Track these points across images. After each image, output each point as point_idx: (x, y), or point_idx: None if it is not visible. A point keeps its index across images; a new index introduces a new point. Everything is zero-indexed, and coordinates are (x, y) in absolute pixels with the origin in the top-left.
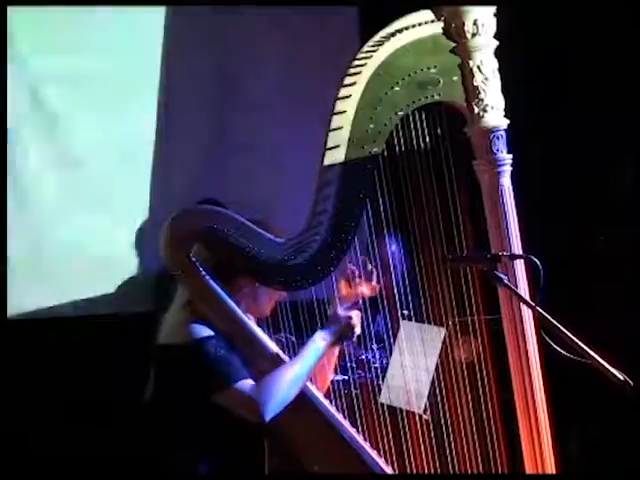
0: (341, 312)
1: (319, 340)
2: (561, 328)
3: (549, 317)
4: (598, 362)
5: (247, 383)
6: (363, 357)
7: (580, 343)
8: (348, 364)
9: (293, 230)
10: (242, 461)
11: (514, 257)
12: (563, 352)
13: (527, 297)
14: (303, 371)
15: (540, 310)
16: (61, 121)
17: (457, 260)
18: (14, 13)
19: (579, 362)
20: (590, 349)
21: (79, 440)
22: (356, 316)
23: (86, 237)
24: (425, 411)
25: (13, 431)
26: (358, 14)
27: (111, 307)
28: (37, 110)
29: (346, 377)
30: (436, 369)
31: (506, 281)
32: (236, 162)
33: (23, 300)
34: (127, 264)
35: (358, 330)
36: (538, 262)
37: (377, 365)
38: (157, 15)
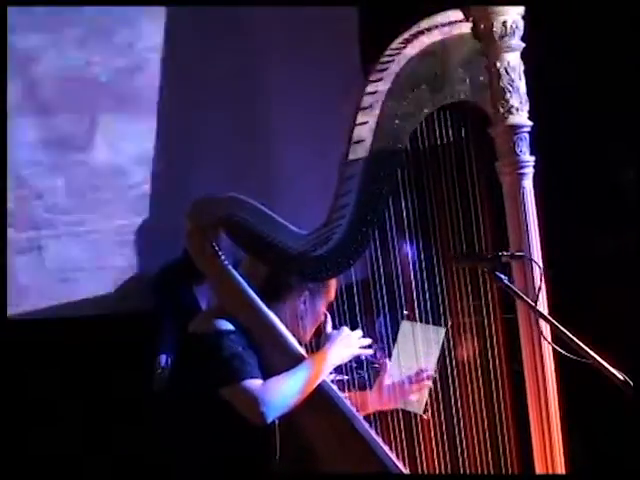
0: (338, 334)
1: (324, 354)
2: (561, 328)
3: (549, 317)
4: (598, 362)
5: (255, 382)
6: (363, 357)
7: (580, 343)
8: (348, 364)
9: (294, 223)
10: (252, 453)
11: (514, 257)
12: (563, 352)
13: (536, 297)
14: (309, 380)
15: (540, 310)
16: (64, 120)
17: (460, 259)
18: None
19: (580, 362)
20: (590, 349)
21: (79, 439)
22: (356, 338)
23: (86, 236)
24: (425, 411)
25: (13, 431)
26: (358, 14)
27: (111, 307)
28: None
29: (346, 377)
30: (446, 369)
31: (506, 281)
32: (236, 162)
33: (23, 300)
34: (127, 264)
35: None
36: (538, 262)
37: (377, 365)
38: (158, 14)
